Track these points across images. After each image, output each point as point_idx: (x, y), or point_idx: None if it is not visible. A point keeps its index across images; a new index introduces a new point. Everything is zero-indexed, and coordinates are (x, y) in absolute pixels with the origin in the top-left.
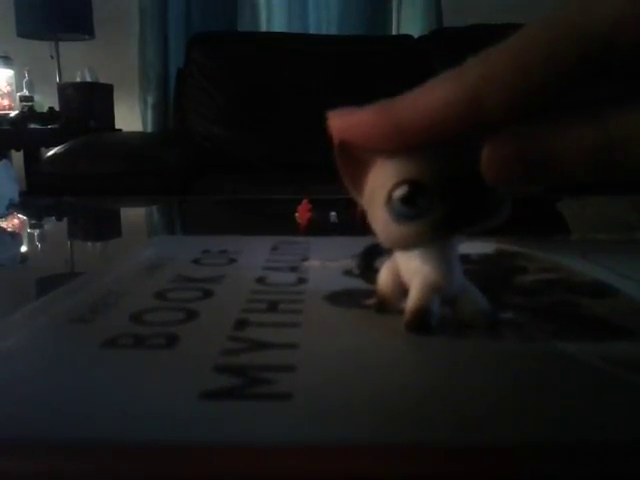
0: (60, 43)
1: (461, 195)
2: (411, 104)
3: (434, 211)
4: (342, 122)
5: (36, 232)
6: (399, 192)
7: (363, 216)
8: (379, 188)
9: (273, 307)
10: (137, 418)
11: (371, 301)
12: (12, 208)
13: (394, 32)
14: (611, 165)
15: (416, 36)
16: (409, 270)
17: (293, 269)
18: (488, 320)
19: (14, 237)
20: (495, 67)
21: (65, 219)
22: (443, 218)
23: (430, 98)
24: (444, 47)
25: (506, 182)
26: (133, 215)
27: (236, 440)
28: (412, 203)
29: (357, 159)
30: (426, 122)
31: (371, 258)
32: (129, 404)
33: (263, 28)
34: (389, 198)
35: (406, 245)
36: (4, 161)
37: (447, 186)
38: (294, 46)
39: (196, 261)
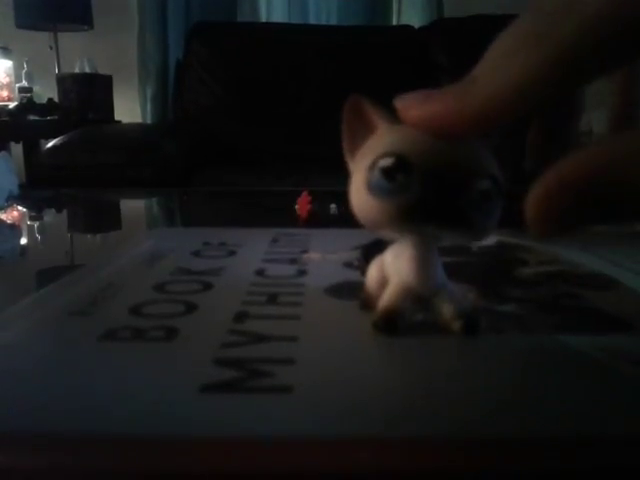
0: (59, 34)
1: (443, 189)
2: (490, 78)
3: (407, 193)
4: (419, 112)
5: (35, 224)
6: (383, 162)
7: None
8: (369, 153)
9: (273, 300)
10: (137, 411)
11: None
12: (11, 200)
13: (395, 22)
14: None
15: (417, 26)
16: (391, 268)
17: (293, 261)
18: (464, 325)
19: (13, 229)
20: (593, 19)
21: (64, 211)
22: (412, 204)
23: (513, 66)
24: (445, 37)
25: (570, 224)
26: (133, 207)
27: (236, 433)
28: (391, 177)
29: (364, 119)
30: (513, 92)
31: (372, 254)
32: (128, 397)
33: (263, 19)
34: (373, 165)
35: (369, 220)
36: (3, 153)
37: (432, 173)
38: (294, 37)
39: (196, 253)
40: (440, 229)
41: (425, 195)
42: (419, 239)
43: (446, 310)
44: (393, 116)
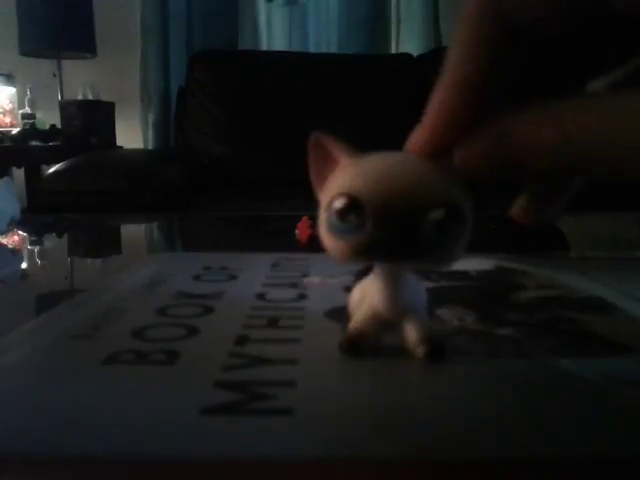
0: (62, 61)
1: (394, 226)
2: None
3: (360, 233)
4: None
5: (37, 249)
6: (337, 203)
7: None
8: (328, 191)
9: (273, 323)
10: (138, 433)
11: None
12: (13, 225)
13: (393, 51)
14: (576, 169)
15: (415, 55)
16: (368, 291)
17: (293, 285)
18: (428, 351)
19: (15, 254)
20: None
21: (66, 236)
22: (365, 243)
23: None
24: (443, 66)
25: (480, 176)
26: (134, 232)
27: (237, 455)
28: (344, 218)
29: (328, 155)
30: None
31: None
32: (130, 420)
33: (264, 47)
34: (329, 206)
35: (334, 258)
36: (5, 178)
37: (383, 213)
38: (294, 65)
39: (197, 277)
40: (395, 264)
41: (377, 234)
42: (386, 267)
43: (410, 336)
44: (354, 149)
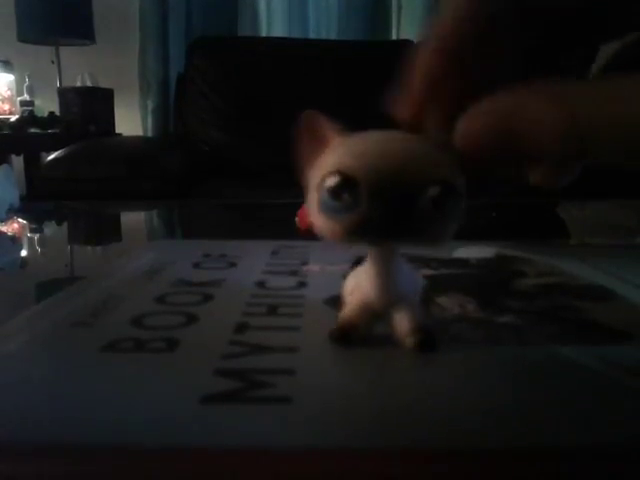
0: (61, 48)
1: (389, 204)
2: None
3: (354, 212)
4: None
5: (36, 236)
6: (329, 181)
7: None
8: (319, 170)
9: (273, 311)
10: (137, 422)
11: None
12: (12, 212)
13: (394, 37)
14: (581, 152)
15: (416, 41)
16: (361, 278)
17: (293, 273)
18: (417, 342)
19: (14, 241)
20: None
21: (65, 223)
22: (359, 222)
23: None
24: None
25: (480, 155)
26: (133, 219)
27: (236, 444)
28: (337, 196)
29: (319, 135)
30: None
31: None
32: (129, 408)
33: (263, 33)
34: (321, 184)
35: (326, 237)
36: (4, 166)
37: (377, 190)
38: (294, 51)
39: (196, 265)
40: (390, 242)
41: (371, 213)
42: (377, 253)
43: (400, 326)
44: (348, 129)
